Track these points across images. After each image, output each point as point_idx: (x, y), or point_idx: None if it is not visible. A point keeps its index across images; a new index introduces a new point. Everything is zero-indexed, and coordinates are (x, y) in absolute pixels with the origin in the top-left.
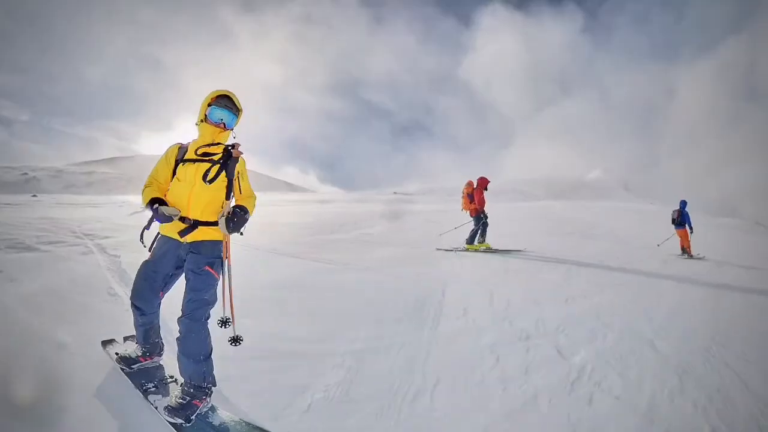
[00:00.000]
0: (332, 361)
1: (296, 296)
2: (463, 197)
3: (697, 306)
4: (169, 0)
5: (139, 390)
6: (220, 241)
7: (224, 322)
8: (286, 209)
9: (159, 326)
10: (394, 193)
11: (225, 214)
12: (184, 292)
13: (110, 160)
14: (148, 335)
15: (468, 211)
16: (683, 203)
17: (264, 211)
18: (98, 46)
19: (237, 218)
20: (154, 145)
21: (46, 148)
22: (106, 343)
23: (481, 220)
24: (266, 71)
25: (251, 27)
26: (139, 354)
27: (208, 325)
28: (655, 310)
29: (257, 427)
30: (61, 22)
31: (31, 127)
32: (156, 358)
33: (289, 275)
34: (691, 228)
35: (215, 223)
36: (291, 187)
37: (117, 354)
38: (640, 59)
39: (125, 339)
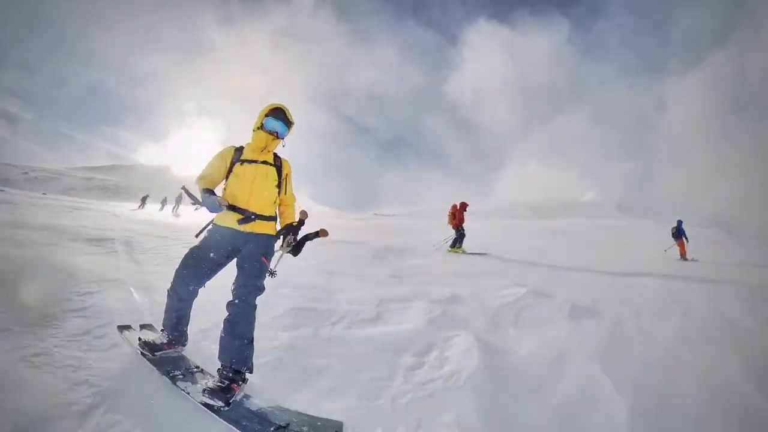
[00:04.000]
0: None
1: None
2: (448, 216)
3: None
4: (154, 10)
5: (166, 376)
6: (272, 236)
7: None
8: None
9: (189, 316)
10: (374, 214)
11: (292, 243)
12: (237, 279)
13: (110, 168)
14: (179, 323)
15: (452, 226)
16: (680, 222)
17: None
18: (98, 53)
19: (300, 247)
20: (145, 153)
21: (47, 149)
22: (122, 328)
23: (459, 232)
24: (250, 82)
25: (233, 39)
26: (164, 341)
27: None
28: None
29: (293, 412)
30: (65, 25)
31: (34, 126)
32: (179, 348)
33: None
34: (686, 239)
35: (271, 218)
36: None
37: (140, 339)
38: (628, 72)
39: (141, 327)
